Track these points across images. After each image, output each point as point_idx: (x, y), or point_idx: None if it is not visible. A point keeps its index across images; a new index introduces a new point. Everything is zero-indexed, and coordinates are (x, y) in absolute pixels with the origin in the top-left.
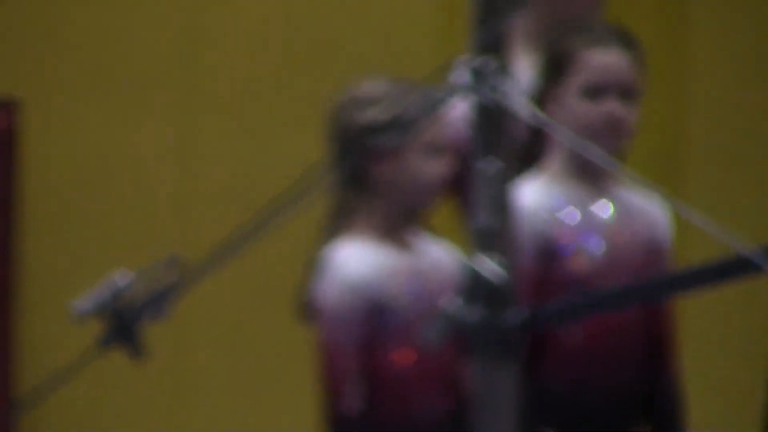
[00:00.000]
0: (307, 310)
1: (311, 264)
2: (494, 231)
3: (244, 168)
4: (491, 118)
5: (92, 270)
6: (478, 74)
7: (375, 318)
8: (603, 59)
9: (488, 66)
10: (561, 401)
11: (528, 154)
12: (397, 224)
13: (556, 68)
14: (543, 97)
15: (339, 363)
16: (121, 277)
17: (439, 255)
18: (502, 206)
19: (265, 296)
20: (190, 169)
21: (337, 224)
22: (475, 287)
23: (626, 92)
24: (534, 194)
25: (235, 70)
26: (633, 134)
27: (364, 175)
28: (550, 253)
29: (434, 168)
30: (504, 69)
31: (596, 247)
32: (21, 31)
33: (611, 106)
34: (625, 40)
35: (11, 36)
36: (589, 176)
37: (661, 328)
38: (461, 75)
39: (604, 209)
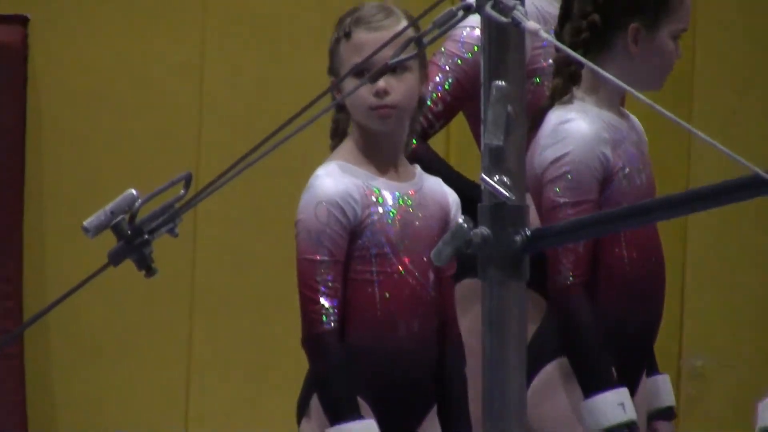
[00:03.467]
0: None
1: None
2: (504, 150)
3: (261, 85)
4: (501, 38)
5: (105, 188)
6: None
7: (355, 237)
8: (687, 5)
9: None
10: (614, 323)
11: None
12: (376, 147)
13: (655, 9)
14: (613, 33)
15: (311, 278)
16: (132, 195)
17: (430, 185)
18: (511, 126)
19: (284, 211)
20: (207, 85)
21: (331, 146)
22: (485, 206)
23: None
24: (591, 122)
25: None
26: None
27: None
28: (608, 178)
29: (365, 92)
30: None
31: (636, 173)
32: None
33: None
34: None
35: None
36: (616, 105)
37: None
38: None
39: (632, 135)
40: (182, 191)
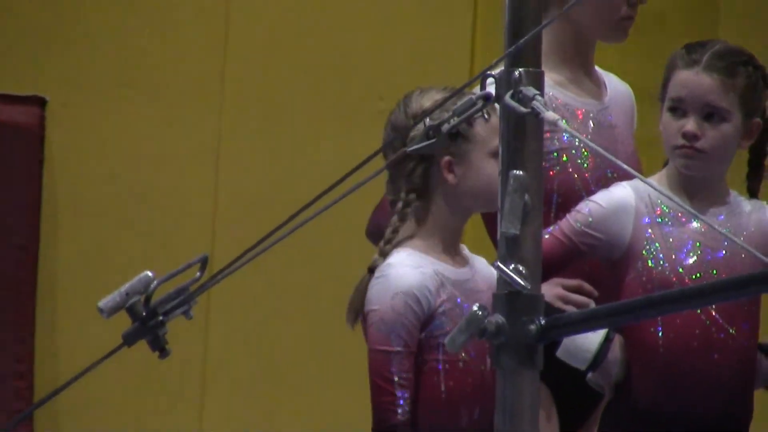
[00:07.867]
0: (361, 317)
1: (370, 269)
2: (520, 239)
3: (276, 170)
4: (520, 127)
5: (120, 269)
6: (508, 84)
7: (424, 325)
8: (684, 78)
9: (518, 76)
10: (646, 413)
11: None
12: (453, 237)
13: (662, 85)
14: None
15: (386, 369)
16: (148, 276)
17: (486, 270)
18: (528, 215)
19: (297, 296)
20: (223, 170)
21: (396, 231)
22: (500, 295)
23: (708, 113)
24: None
25: (268, 73)
26: (718, 156)
27: (428, 182)
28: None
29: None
30: (534, 79)
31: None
32: (49, 30)
33: (685, 123)
34: (722, 62)
35: (40, 35)
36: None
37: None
38: (491, 85)
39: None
40: (198, 273)
